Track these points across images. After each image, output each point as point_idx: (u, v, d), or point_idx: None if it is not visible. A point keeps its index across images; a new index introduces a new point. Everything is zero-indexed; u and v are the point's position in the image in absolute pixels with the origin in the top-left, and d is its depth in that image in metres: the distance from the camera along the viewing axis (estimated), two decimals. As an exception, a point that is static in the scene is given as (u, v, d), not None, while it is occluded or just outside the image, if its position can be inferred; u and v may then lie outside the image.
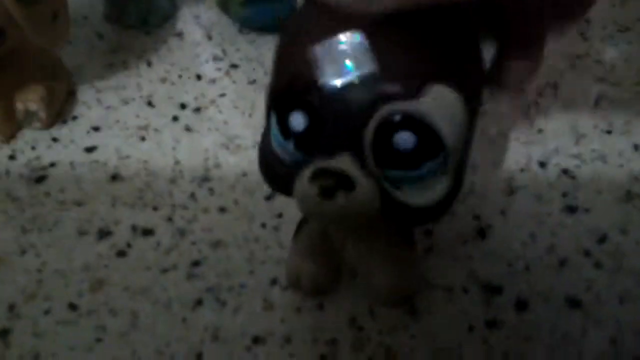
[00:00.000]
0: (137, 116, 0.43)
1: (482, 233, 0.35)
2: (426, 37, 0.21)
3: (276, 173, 0.23)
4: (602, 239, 0.35)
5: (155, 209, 0.37)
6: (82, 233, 0.36)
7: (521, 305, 0.32)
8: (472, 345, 0.31)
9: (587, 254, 0.34)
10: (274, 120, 0.22)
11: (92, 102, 0.44)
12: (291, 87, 0.21)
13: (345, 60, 0.20)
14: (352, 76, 0.20)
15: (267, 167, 0.24)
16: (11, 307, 0.32)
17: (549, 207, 0.37)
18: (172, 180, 0.38)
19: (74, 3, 0.43)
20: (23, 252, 0.35)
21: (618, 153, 0.39)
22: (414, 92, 0.20)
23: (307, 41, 0.21)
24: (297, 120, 0.21)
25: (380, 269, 0.31)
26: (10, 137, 0.41)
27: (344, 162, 0.20)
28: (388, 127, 0.20)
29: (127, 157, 0.40)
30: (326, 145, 0.21)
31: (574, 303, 0.32)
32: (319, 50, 0.20)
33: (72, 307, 0.33)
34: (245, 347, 0.31)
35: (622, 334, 0.31)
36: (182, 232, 0.36)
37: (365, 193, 0.21)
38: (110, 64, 0.46)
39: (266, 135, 0.23)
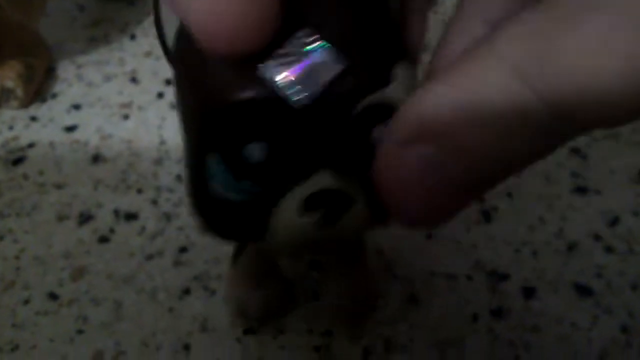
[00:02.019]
0: (120, 93, 0.41)
1: (487, 216, 0.34)
2: (367, 20, 0.18)
3: (228, 221, 0.19)
4: (614, 222, 0.33)
5: (139, 191, 0.35)
6: (62, 218, 0.34)
7: (528, 292, 0.31)
8: (476, 335, 0.30)
9: (597, 238, 0.33)
10: (214, 164, 0.18)
11: (73, 79, 0.42)
12: (238, 118, 0.17)
13: (310, 66, 0.17)
14: (322, 84, 0.17)
15: (213, 219, 0.20)
16: (-12, 297, 0.31)
17: (557, 188, 0.35)
18: (158, 161, 0.37)
19: (53, -27, 0.41)
20: (0, 238, 0.34)
21: (631, 130, 0.38)
22: (384, 79, 0.17)
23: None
24: (254, 152, 0.17)
25: (334, 291, 0.29)
26: (-14, 116, 0.39)
27: (328, 181, 0.18)
28: (365, 125, 0.17)
29: (110, 136, 0.38)
30: (297, 170, 0.18)
31: (583, 290, 0.31)
32: (272, 64, 0.16)
33: (52, 296, 0.31)
34: (236, 338, 0.30)
35: (634, 321, 0.30)
36: (168, 217, 0.34)
37: (362, 208, 0.18)
38: (92, 37, 0.45)
39: (198, 182, 0.19)
